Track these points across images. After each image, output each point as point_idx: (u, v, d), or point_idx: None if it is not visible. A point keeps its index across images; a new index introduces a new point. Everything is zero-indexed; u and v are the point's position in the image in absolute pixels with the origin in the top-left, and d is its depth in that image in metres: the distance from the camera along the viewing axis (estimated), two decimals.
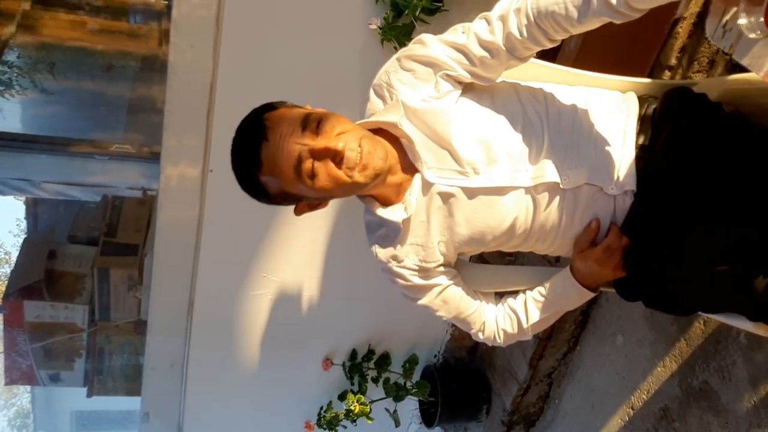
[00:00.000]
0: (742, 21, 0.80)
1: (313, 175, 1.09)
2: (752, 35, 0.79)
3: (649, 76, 1.91)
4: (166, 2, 4.47)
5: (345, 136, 1.10)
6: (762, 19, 0.77)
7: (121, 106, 4.22)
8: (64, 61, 4.30)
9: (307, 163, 1.08)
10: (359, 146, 1.11)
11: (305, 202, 1.21)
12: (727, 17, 0.89)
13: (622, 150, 1.15)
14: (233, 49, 1.98)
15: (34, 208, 4.32)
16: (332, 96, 2.06)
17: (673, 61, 1.87)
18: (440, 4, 1.84)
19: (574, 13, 1.05)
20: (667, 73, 1.87)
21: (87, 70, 4.27)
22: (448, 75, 1.18)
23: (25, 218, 4.80)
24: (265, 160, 1.10)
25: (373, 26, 1.91)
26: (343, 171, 1.10)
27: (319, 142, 1.09)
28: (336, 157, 1.09)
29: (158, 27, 4.56)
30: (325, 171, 1.09)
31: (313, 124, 1.10)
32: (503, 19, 1.14)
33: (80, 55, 4.34)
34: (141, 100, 4.25)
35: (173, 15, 1.93)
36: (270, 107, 1.17)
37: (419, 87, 1.19)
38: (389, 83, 1.22)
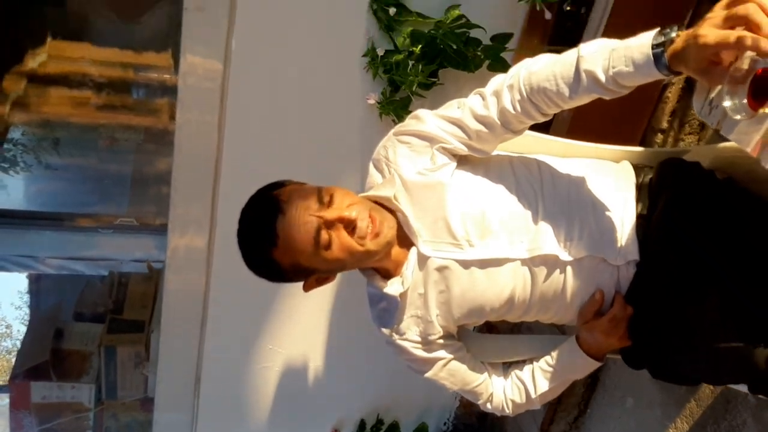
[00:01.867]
0: (727, 103, 0.83)
1: (328, 245, 1.11)
2: (737, 116, 0.82)
3: (641, 140, 1.96)
4: (170, 76, 4.59)
5: (355, 207, 1.14)
6: (745, 101, 0.81)
7: (125, 179, 4.28)
8: (68, 137, 4.38)
9: (324, 234, 1.11)
10: (369, 216, 1.14)
11: (314, 276, 1.22)
12: (712, 94, 0.92)
13: (623, 220, 1.18)
14: (237, 121, 2.02)
15: (37, 284, 4.32)
16: (334, 168, 2.10)
17: (665, 125, 1.91)
18: (435, 79, 1.89)
19: (565, 90, 1.09)
20: (660, 136, 1.91)
21: (91, 145, 4.35)
22: (444, 148, 1.22)
23: (27, 293, 4.80)
24: (281, 234, 1.12)
25: (372, 101, 1.96)
26: (356, 240, 1.13)
27: (333, 213, 1.12)
28: (349, 226, 1.12)
29: (161, 100, 4.66)
30: (339, 241, 1.12)
31: (325, 197, 1.13)
32: (497, 94, 1.18)
33: (84, 131, 4.43)
34: (144, 172, 4.32)
35: (179, 87, 1.98)
36: (278, 185, 1.21)
37: (416, 160, 1.22)
38: (387, 157, 1.25)
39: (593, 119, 1.82)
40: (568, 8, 1.91)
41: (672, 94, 1.89)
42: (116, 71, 4.76)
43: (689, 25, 1.74)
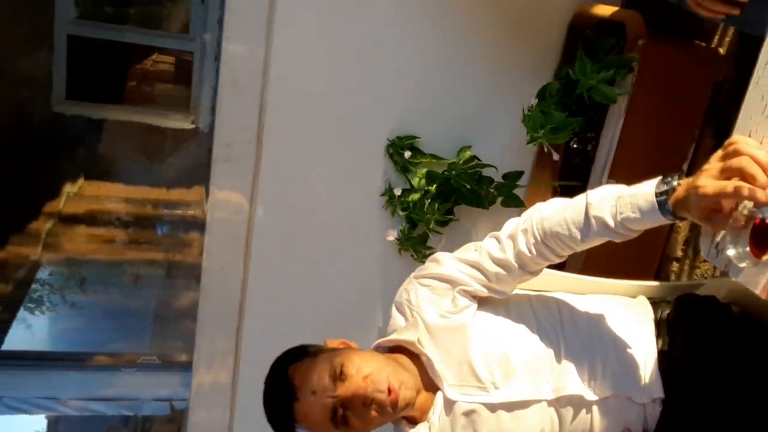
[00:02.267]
0: (731, 252, 0.87)
1: (346, 421, 1.12)
2: (742, 264, 0.86)
3: (657, 269, 1.99)
4: (195, 212, 4.76)
5: (372, 378, 1.13)
6: (748, 249, 0.85)
7: (147, 315, 4.32)
8: (93, 275, 4.49)
9: (339, 412, 1.12)
10: (387, 384, 1.13)
11: None
12: (718, 238, 0.97)
13: (645, 357, 1.18)
14: (262, 259, 2.10)
15: (55, 426, 4.28)
16: (355, 305, 2.15)
17: (679, 253, 1.95)
18: (451, 216, 1.97)
19: (577, 234, 1.14)
20: (675, 265, 1.94)
21: (115, 282, 4.44)
22: (465, 290, 1.25)
23: None
24: (299, 418, 1.14)
25: (391, 237, 2.03)
26: (374, 410, 1.13)
27: (348, 389, 1.12)
28: (366, 401, 1.12)
29: (185, 235, 4.80)
30: (356, 416, 1.13)
31: (336, 370, 1.14)
32: (512, 238, 1.23)
33: (108, 268, 4.53)
34: (167, 308, 4.36)
35: (207, 220, 2.07)
36: (292, 358, 1.21)
37: (438, 303, 1.25)
38: (409, 300, 1.28)
39: (608, 252, 1.86)
40: (575, 145, 2.00)
41: (684, 224, 1.94)
42: (142, 208, 4.95)
43: (692, 161, 1.82)
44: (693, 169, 1.89)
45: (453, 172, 1.90)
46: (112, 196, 5.02)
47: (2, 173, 4.26)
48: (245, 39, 1.92)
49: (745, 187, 0.87)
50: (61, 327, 4.36)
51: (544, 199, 2.01)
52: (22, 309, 3.99)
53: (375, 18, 1.93)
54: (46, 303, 4.21)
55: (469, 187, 1.88)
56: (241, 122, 1.96)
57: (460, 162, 1.97)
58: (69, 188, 4.89)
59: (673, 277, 2.00)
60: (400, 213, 2.00)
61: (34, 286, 4.21)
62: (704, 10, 1.26)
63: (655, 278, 2.02)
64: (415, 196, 1.96)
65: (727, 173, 0.91)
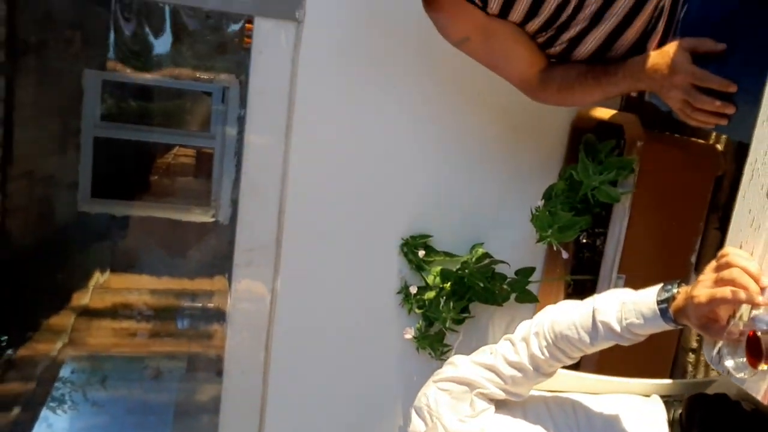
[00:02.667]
0: (729, 363, 0.92)
1: None
2: (740, 375, 0.91)
3: (673, 360, 2.01)
4: (216, 304, 4.84)
5: None
6: (745, 359, 0.90)
7: (168, 410, 4.33)
8: (114, 371, 4.53)
9: None
10: None
11: None
12: (718, 346, 1.01)
13: None
14: (283, 359, 2.15)
15: None
16: (374, 404, 2.17)
17: (694, 344, 1.97)
18: (467, 314, 2.02)
19: (586, 338, 1.19)
20: (691, 356, 1.96)
21: (136, 378, 4.47)
22: (482, 393, 1.29)
23: None
24: None
25: (408, 336, 2.07)
26: None
27: None
28: None
29: (206, 327, 4.85)
30: None
31: None
32: (525, 340, 1.27)
33: (130, 363, 4.58)
34: (187, 402, 4.37)
35: (228, 311, 2.13)
36: None
37: (457, 407, 1.29)
38: (428, 405, 1.32)
39: (622, 349, 1.89)
40: (585, 240, 2.07)
41: None
42: (164, 300, 5.04)
43: (699, 253, 1.87)
44: (701, 261, 1.94)
45: (466, 271, 1.96)
46: (136, 288, 5.12)
47: (28, 271, 4.39)
48: (264, 145, 2.03)
49: (737, 290, 0.92)
50: (82, 425, 4.36)
51: (557, 294, 2.08)
52: (44, 408, 4.01)
53: (386, 124, 2.05)
54: (68, 401, 4.23)
55: (482, 285, 1.94)
56: (261, 227, 2.05)
57: (473, 259, 2.03)
58: (94, 281, 5.01)
59: (689, 368, 2.01)
60: (417, 311, 2.05)
61: (56, 384, 4.25)
62: (694, 121, 1.35)
63: (672, 369, 2.03)
64: (431, 294, 2.02)
65: (720, 285, 0.96)
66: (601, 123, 1.97)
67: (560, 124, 2.09)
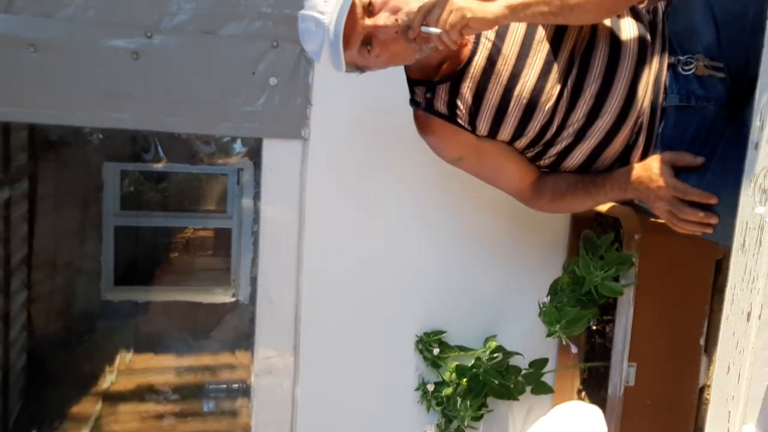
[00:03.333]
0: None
1: None
2: None
3: None
4: (239, 383, 4.88)
5: None
6: None
7: None
8: None
9: None
10: None
11: None
12: None
13: None
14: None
15: None
16: None
17: None
18: (485, 410, 2.06)
19: None
20: None
21: None
22: None
23: None
24: None
25: None
26: None
27: None
28: None
29: (231, 406, 4.89)
30: None
31: None
32: None
33: None
34: None
35: (253, 386, 2.19)
36: None
37: None
38: None
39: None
40: (595, 327, 2.11)
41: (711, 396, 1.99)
42: (188, 379, 5.08)
43: (707, 336, 1.91)
44: (709, 343, 1.98)
45: (481, 369, 2.01)
46: (160, 367, 5.18)
47: (52, 360, 4.48)
48: (277, 258, 2.12)
49: None
50: None
51: (572, 382, 2.12)
52: None
53: (394, 229, 2.14)
54: None
55: (497, 382, 1.98)
56: (278, 339, 2.13)
57: (487, 353, 2.08)
58: (118, 364, 5.08)
59: None
60: (436, 408, 2.10)
61: None
62: (680, 229, 1.42)
63: None
64: (448, 391, 2.07)
65: None
66: (599, 216, 2.04)
67: (561, 218, 2.17)
